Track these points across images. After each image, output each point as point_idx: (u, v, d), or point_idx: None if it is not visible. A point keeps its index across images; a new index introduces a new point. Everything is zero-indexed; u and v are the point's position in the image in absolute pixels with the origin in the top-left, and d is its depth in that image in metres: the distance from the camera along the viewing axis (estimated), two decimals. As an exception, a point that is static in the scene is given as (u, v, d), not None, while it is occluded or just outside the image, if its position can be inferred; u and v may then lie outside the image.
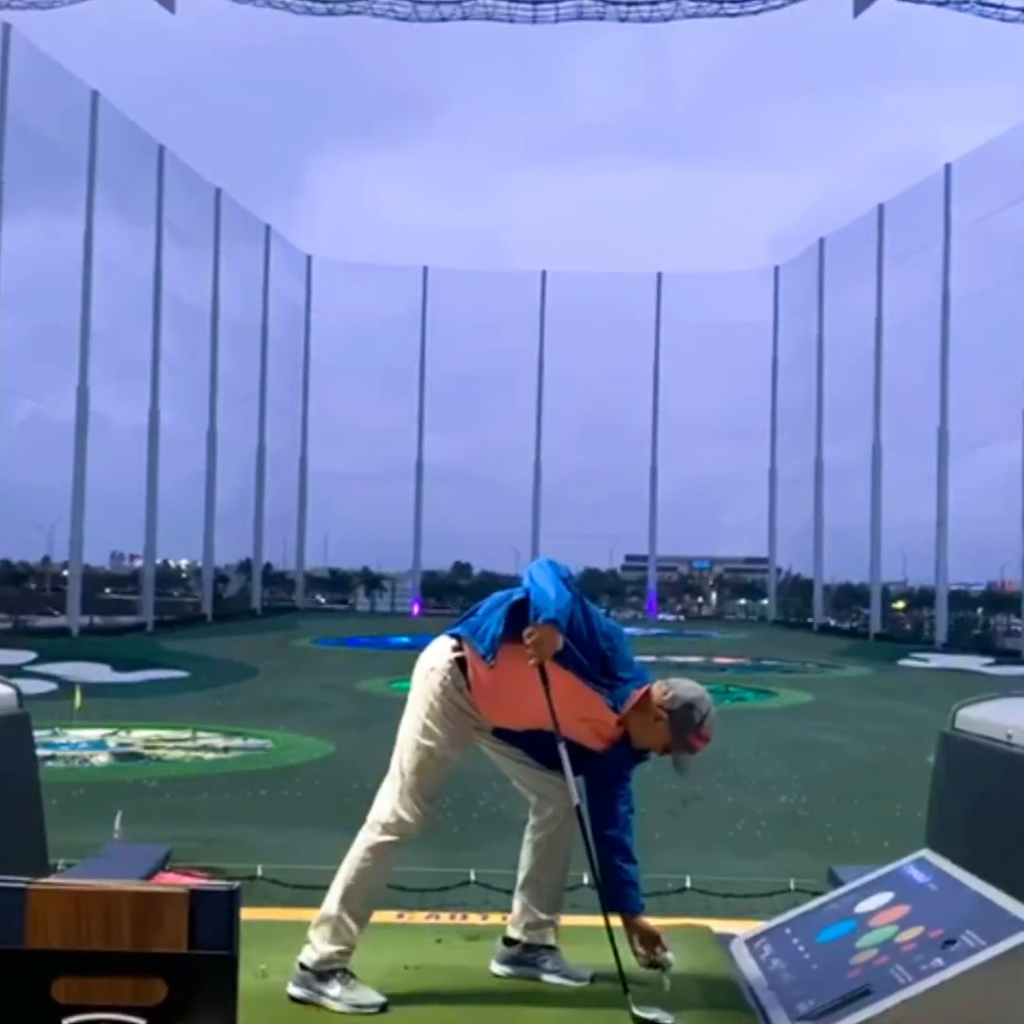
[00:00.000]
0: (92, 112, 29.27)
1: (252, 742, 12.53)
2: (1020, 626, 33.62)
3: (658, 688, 3.64)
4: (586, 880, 3.88)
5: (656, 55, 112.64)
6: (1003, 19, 19.79)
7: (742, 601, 55.06)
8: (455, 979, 3.75)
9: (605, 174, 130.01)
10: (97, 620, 32.06)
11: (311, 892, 4.55)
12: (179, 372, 33.99)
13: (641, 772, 3.80)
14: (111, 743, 12.15)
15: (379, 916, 3.88)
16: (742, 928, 4.35)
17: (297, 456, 43.11)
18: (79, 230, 28.68)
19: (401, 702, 3.82)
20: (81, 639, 26.56)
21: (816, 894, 4.54)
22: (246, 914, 2.29)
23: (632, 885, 3.68)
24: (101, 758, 11.36)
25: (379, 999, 3.51)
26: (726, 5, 19.35)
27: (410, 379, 43.80)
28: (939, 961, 3.10)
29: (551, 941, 3.87)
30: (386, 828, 3.63)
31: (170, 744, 12.18)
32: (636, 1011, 3.39)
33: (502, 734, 3.79)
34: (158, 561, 34.84)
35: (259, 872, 5.96)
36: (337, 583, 50.96)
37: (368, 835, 3.66)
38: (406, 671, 4.04)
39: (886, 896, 3.77)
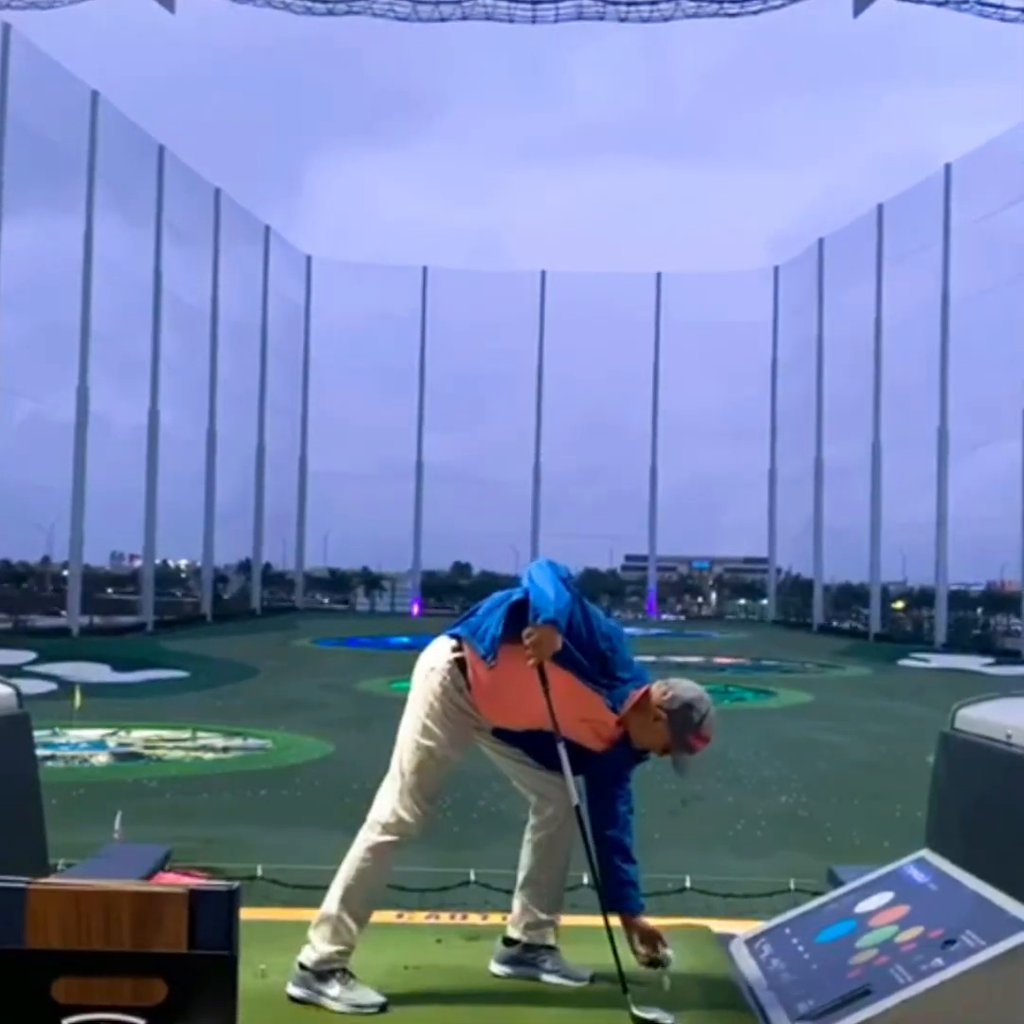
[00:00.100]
0: (92, 112, 29.26)
1: (252, 742, 12.53)
2: (1020, 626, 33.61)
3: (657, 688, 3.64)
4: (586, 880, 3.88)
5: (656, 55, 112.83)
6: (1003, 19, 19.79)
7: (742, 601, 55.04)
8: (455, 979, 3.75)
9: (605, 174, 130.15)
10: (97, 620, 32.05)
11: (311, 892, 4.55)
12: (179, 372, 33.99)
13: (641, 772, 3.80)
14: (111, 743, 12.15)
15: (379, 916, 3.88)
16: (742, 928, 4.35)
17: (297, 456, 43.10)
18: (79, 230, 28.67)
19: (401, 702, 3.82)
20: (81, 639, 26.56)
21: (816, 894, 4.54)
22: (246, 914, 2.29)
23: (632, 885, 3.68)
24: (101, 758, 11.36)
25: (379, 999, 3.51)
26: (726, 5, 19.35)
27: (410, 379, 43.80)
28: (939, 961, 3.10)
29: (551, 941, 3.87)
30: (386, 828, 3.63)
31: (170, 744, 12.17)
32: (636, 1011, 3.39)
33: (502, 734, 3.80)
34: (158, 561, 34.83)
35: (259, 872, 5.96)
36: (337, 583, 50.95)
37: (368, 835, 3.66)
38: (406, 671, 4.04)
39: (886, 896, 3.77)
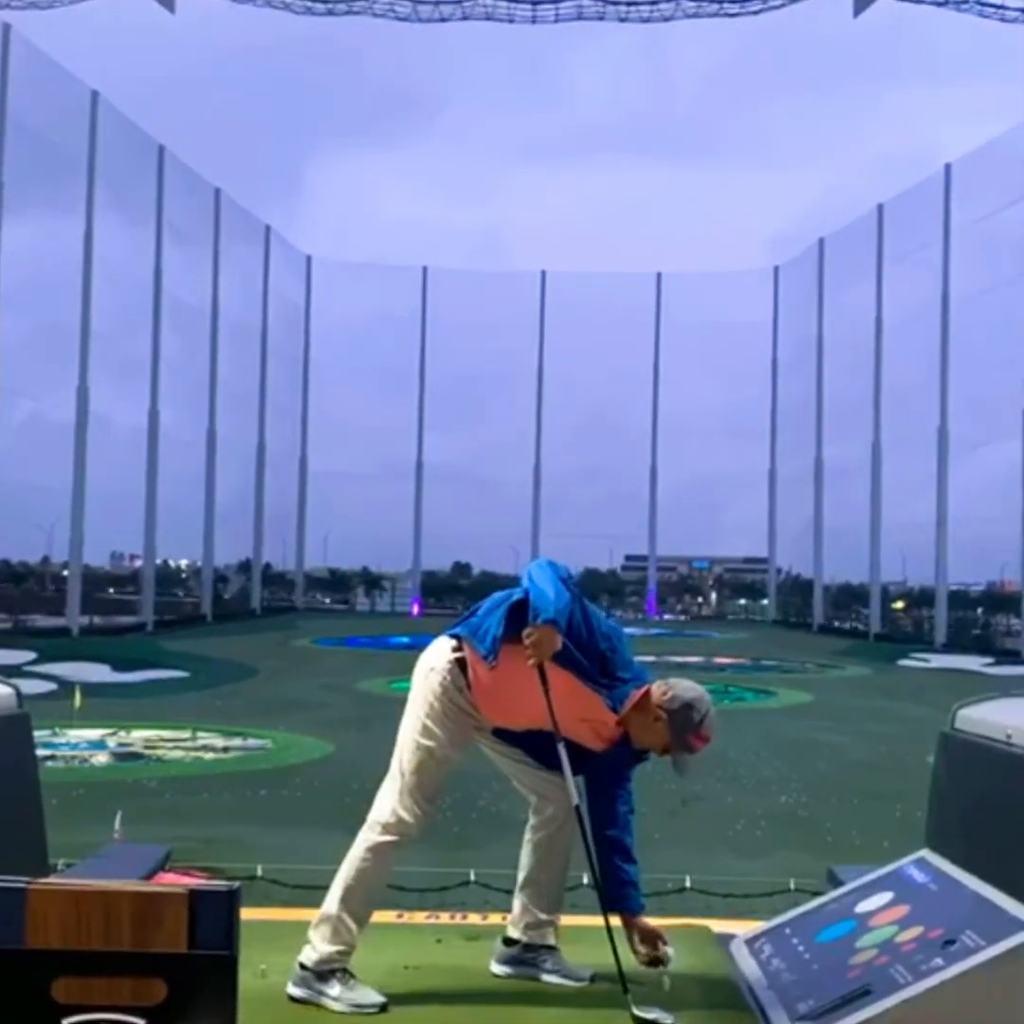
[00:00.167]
0: (92, 112, 29.26)
1: (252, 742, 12.53)
2: (1020, 626, 33.60)
3: (657, 688, 3.64)
4: (586, 880, 3.88)
5: (656, 55, 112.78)
6: (1003, 19, 19.81)
7: (742, 601, 55.03)
8: (455, 979, 3.75)
9: (605, 174, 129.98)
10: (97, 620, 32.06)
11: (311, 892, 4.55)
12: (179, 372, 33.99)
13: (641, 772, 3.80)
14: (111, 743, 12.15)
15: (379, 916, 3.88)
16: (742, 928, 4.35)
17: (297, 456, 43.11)
18: (79, 230, 28.67)
19: (401, 702, 3.82)
20: (81, 639, 26.56)
21: (816, 894, 4.54)
22: (246, 914, 2.29)
23: (632, 885, 3.68)
24: (101, 758, 11.35)
25: (379, 999, 3.51)
26: (726, 5, 19.36)
27: (410, 379, 43.81)
28: (939, 961, 3.10)
29: (551, 941, 3.87)
30: (386, 828, 3.63)
31: (170, 744, 12.17)
32: (636, 1011, 3.39)
33: (502, 734, 3.80)
34: (158, 561, 34.83)
35: (259, 872, 5.96)
36: (337, 583, 50.94)
37: (368, 835, 3.66)
38: (406, 671, 4.04)
39: (886, 896, 3.77)
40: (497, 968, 3.86)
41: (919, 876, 3.82)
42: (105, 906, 2.18)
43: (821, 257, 39.96)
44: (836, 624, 40.81)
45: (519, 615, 3.54)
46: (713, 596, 57.41)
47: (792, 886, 5.68)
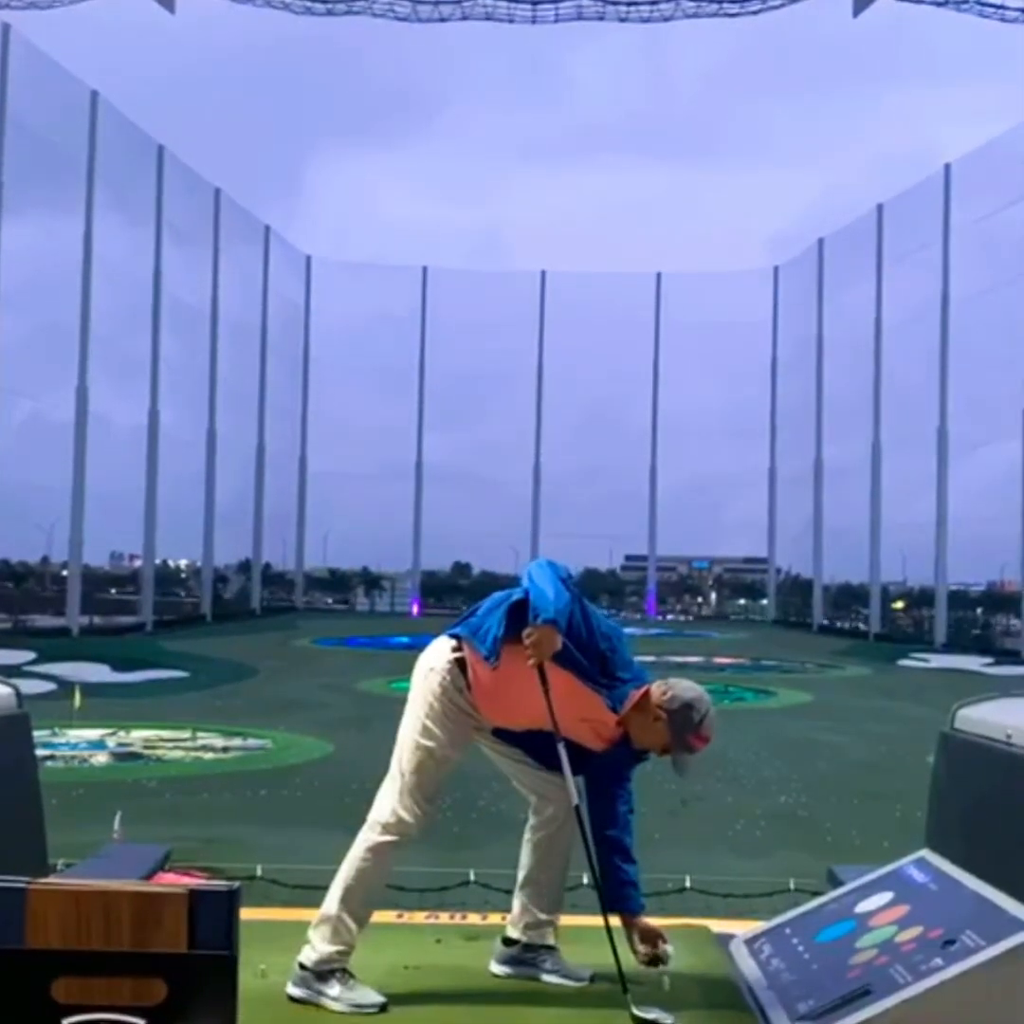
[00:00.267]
0: (92, 112, 29.27)
1: (252, 742, 12.53)
2: (1020, 626, 33.60)
3: (657, 688, 3.64)
4: (586, 880, 3.88)
5: (656, 55, 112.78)
6: (1003, 19, 19.82)
7: (742, 601, 55.04)
8: (455, 979, 3.75)
9: (605, 174, 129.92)
10: (97, 620, 32.06)
11: (311, 892, 4.55)
12: (179, 372, 34.00)
13: (641, 772, 3.80)
14: (111, 743, 12.15)
15: (379, 916, 3.88)
16: (742, 928, 4.35)
17: (297, 456, 43.12)
18: (79, 230, 28.68)
19: (401, 702, 3.82)
20: (81, 639, 26.56)
21: (816, 894, 4.54)
22: (246, 914, 2.29)
23: (632, 885, 3.68)
24: (101, 758, 11.36)
25: (379, 999, 3.51)
26: (726, 5, 19.37)
27: (410, 379, 43.81)
28: (939, 961, 3.10)
29: (551, 941, 3.87)
30: (386, 828, 3.63)
31: (170, 744, 12.17)
32: (636, 1011, 3.39)
33: (502, 734, 3.80)
34: (158, 561, 34.83)
35: (259, 872, 5.96)
36: (337, 583, 50.94)
37: (368, 835, 3.66)
38: (406, 671, 4.04)
39: (886, 896, 3.77)
40: (497, 968, 3.86)
41: (919, 876, 3.82)
42: (105, 906, 2.18)
43: (821, 257, 39.97)
44: (836, 624, 40.81)
45: (519, 615, 3.54)
46: (713, 596, 57.41)
47: (792, 886, 5.68)
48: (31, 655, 20.33)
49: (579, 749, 3.63)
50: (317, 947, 3.58)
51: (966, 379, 32.52)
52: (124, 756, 11.53)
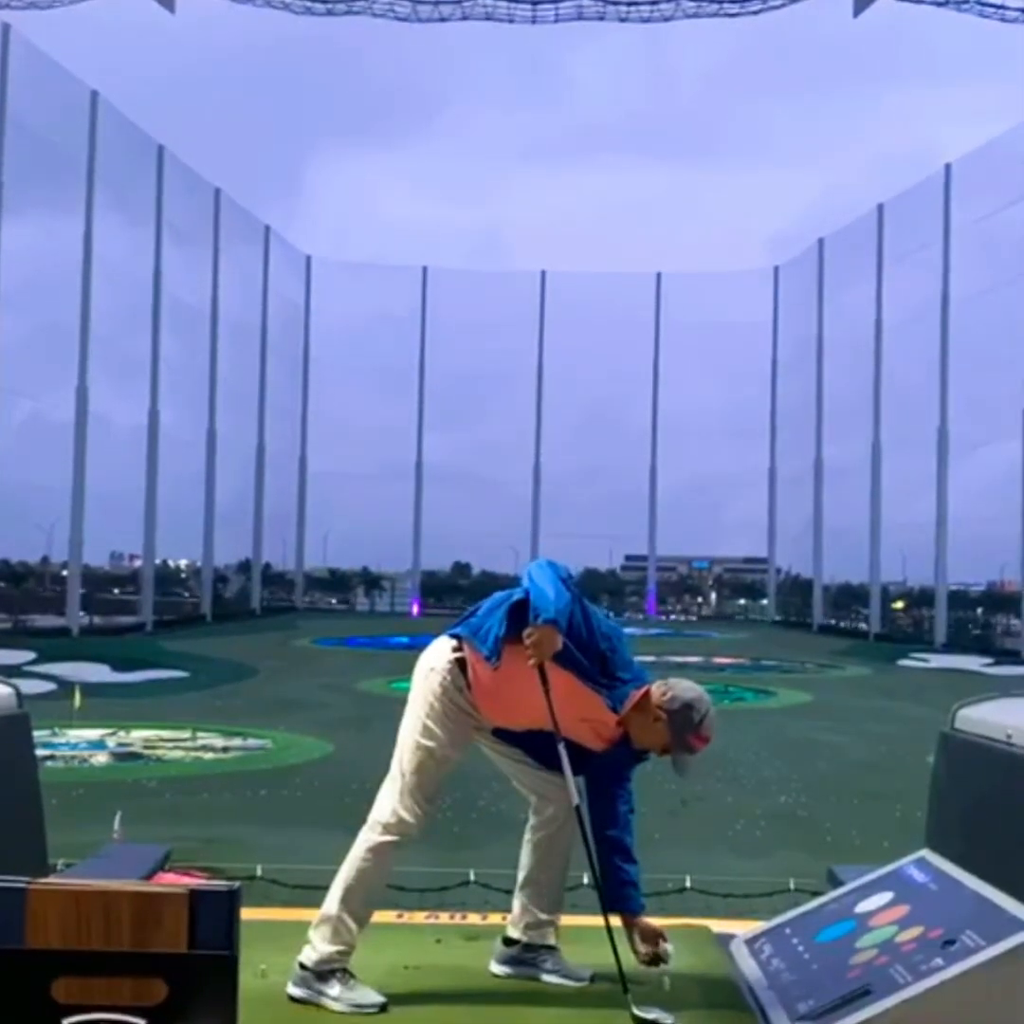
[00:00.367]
0: (92, 112, 29.27)
1: (252, 742, 12.53)
2: (1020, 626, 33.60)
3: (657, 688, 3.64)
4: (586, 880, 3.88)
5: (656, 55, 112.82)
6: (1003, 19, 19.82)
7: (742, 601, 55.04)
8: (455, 979, 3.75)
9: (605, 174, 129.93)
10: (97, 620, 32.06)
11: (311, 892, 4.55)
12: (179, 372, 34.00)
13: (641, 772, 3.80)
14: (111, 743, 12.15)
15: (379, 916, 3.88)
16: (742, 928, 4.35)
17: (297, 456, 43.12)
18: (79, 230, 28.67)
19: (401, 702, 3.82)
20: (81, 639, 26.56)
21: (816, 894, 4.54)
22: (246, 914, 2.29)
23: (632, 885, 3.68)
24: (101, 758, 11.36)
25: (379, 999, 3.51)
26: (726, 5, 19.37)
27: (410, 379, 43.82)
28: (939, 961, 3.10)
29: (551, 941, 3.87)
30: (387, 828, 3.63)
31: (170, 744, 12.17)
32: (636, 1011, 3.39)
33: (502, 734, 3.80)
34: (158, 561, 34.83)
35: (259, 872, 5.96)
36: (337, 583, 50.94)
37: (368, 835, 3.66)
38: (406, 671, 4.04)
39: (886, 896, 3.77)
40: (497, 968, 3.86)
41: (919, 876, 3.82)
42: (105, 906, 2.18)
43: (821, 257, 39.97)
44: (836, 624, 40.81)
45: (520, 615, 3.54)
46: (713, 596, 57.41)
47: (792, 886, 5.68)
48: (31, 655, 20.33)
49: (579, 749, 3.63)
50: (317, 947, 3.58)
51: (966, 379, 32.52)
52: (124, 756, 11.53)
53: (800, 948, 3.74)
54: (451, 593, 46.49)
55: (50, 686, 15.99)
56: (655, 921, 3.82)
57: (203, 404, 35.74)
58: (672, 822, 8.00)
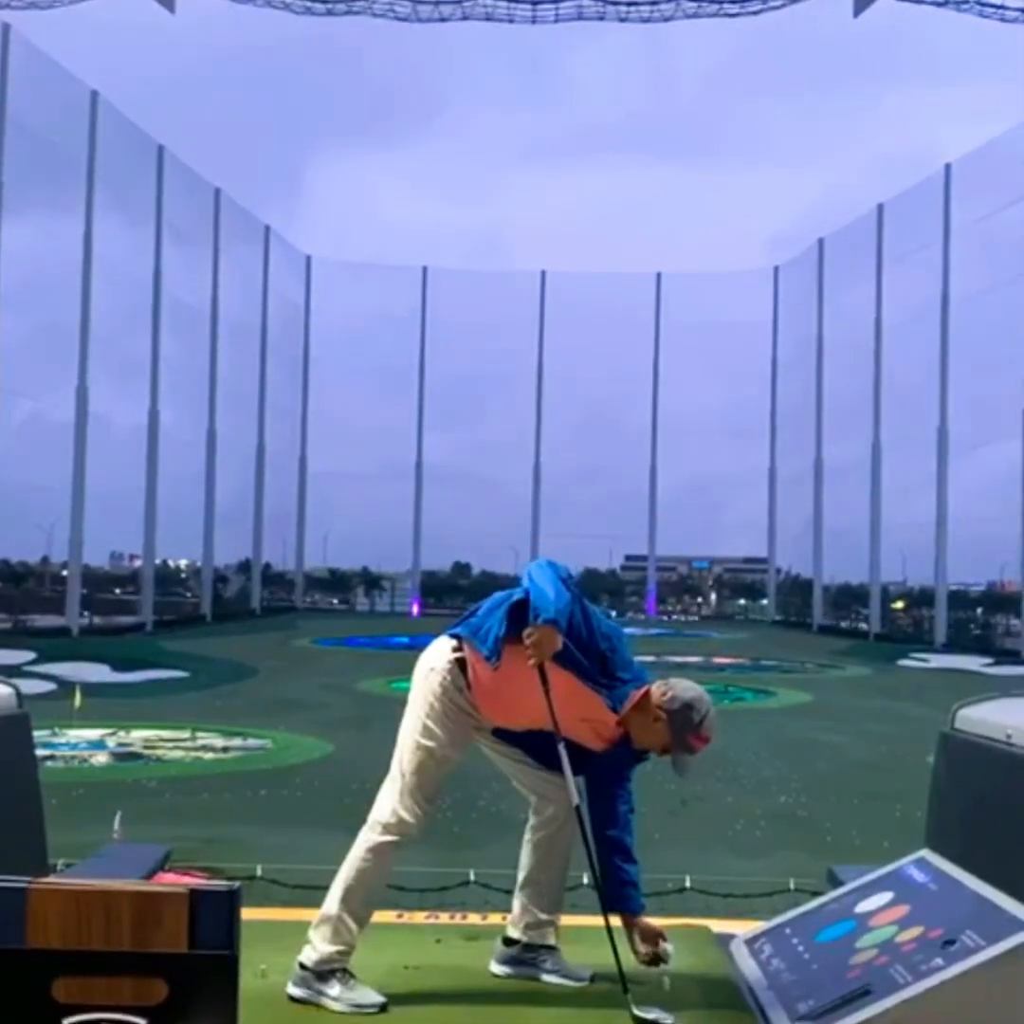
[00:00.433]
0: (92, 112, 29.27)
1: (252, 742, 12.53)
2: (1020, 626, 33.60)
3: (657, 689, 3.64)
4: (586, 880, 3.88)
5: (656, 55, 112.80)
6: (1003, 19, 19.83)
7: (742, 601, 55.05)
8: (455, 979, 3.75)
9: (605, 174, 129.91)
10: (97, 620, 32.07)
11: (311, 892, 4.55)
12: (179, 372, 34.01)
13: (641, 772, 3.80)
14: (111, 743, 12.15)
15: (379, 916, 3.88)
16: (742, 928, 4.35)
17: (297, 456, 43.13)
18: (79, 230, 28.68)
19: (401, 702, 3.82)
20: (81, 639, 26.56)
21: (816, 894, 4.54)
22: (246, 914, 2.29)
23: (632, 885, 3.68)
24: (101, 758, 11.36)
25: (379, 999, 3.51)
26: (726, 5, 19.37)
27: (410, 379, 43.82)
28: (939, 961, 3.10)
29: (551, 941, 3.87)
30: (387, 828, 3.63)
31: (170, 744, 12.17)
32: (636, 1011, 3.39)
33: (502, 734, 3.80)
34: (158, 561, 34.84)
35: (259, 872, 5.96)
36: (337, 583, 50.95)
37: (369, 835, 3.66)
38: (406, 671, 4.04)
39: (886, 896, 3.77)
40: (497, 968, 3.86)
41: (919, 876, 3.82)
42: (105, 906, 2.18)
43: (821, 257, 39.97)
44: (836, 624, 40.81)
45: (520, 615, 3.54)
46: (713, 596, 57.41)
47: (792, 886, 5.68)
48: (31, 655, 20.33)
49: (579, 749, 3.63)
50: (317, 947, 3.58)
51: (966, 379, 32.53)
52: (124, 756, 11.53)
53: (800, 948, 3.74)
54: (451, 593, 46.50)
55: (50, 686, 15.99)
56: (655, 921, 3.82)
57: (203, 404, 35.75)
58: (672, 822, 8.00)
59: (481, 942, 4.07)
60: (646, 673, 3.74)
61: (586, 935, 3.83)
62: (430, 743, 3.64)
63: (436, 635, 3.83)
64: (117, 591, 38.42)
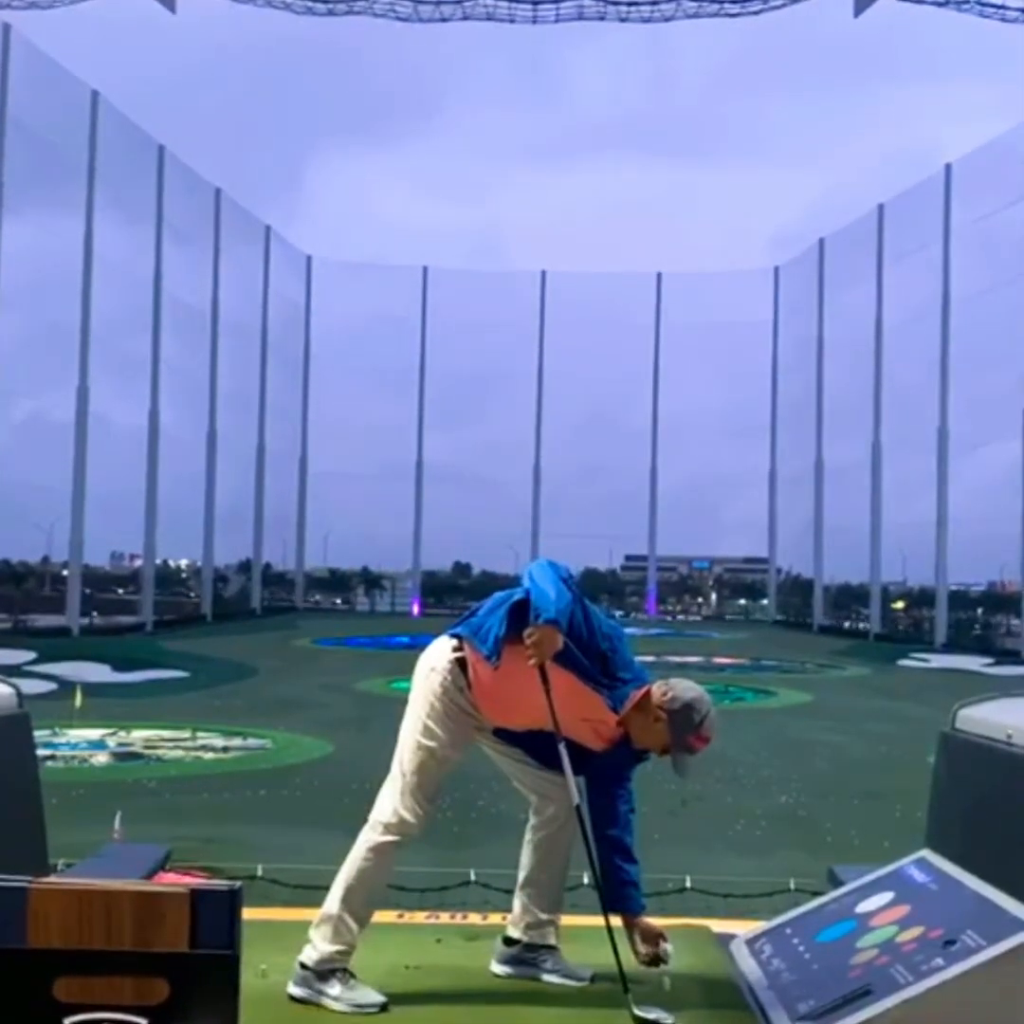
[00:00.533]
0: (92, 112, 29.28)
1: (252, 742, 12.54)
2: (1020, 626, 33.60)
3: (657, 689, 3.64)
4: (586, 880, 3.88)
5: (657, 55, 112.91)
6: (1003, 19, 19.85)
7: (742, 601, 55.05)
8: (455, 979, 3.75)
9: (605, 173, 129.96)
10: (97, 620, 32.07)
11: (311, 892, 4.56)
12: (179, 372, 34.01)
13: (641, 772, 3.80)
14: (111, 743, 12.15)
15: (379, 916, 3.88)
16: (742, 928, 4.34)
17: (297, 456, 43.13)
18: (79, 230, 28.69)
19: (401, 702, 3.82)
20: (81, 639, 26.58)
21: (816, 894, 4.53)
22: (246, 914, 2.29)
23: (633, 885, 3.67)
24: (101, 758, 11.36)
25: (379, 999, 3.51)
26: (726, 5, 19.38)
27: (410, 379, 43.83)
28: (939, 961, 3.10)
29: (551, 941, 3.87)
30: (388, 828, 3.63)
31: (170, 744, 12.18)
32: (636, 1011, 3.38)
33: (502, 734, 3.80)
34: (158, 561, 34.85)
35: (259, 872, 5.96)
36: (337, 583, 50.96)
37: (369, 835, 3.66)
38: (406, 671, 4.04)
39: (886, 896, 3.77)
40: (497, 968, 3.86)
41: (919, 876, 3.82)
42: (107, 906, 2.18)
43: (821, 257, 39.98)
44: (836, 624, 40.81)
45: (520, 615, 3.54)
46: (713, 596, 57.41)
47: (792, 886, 5.68)
48: (31, 655, 20.33)
49: (580, 749, 3.63)
50: (318, 947, 3.58)
51: (966, 379, 32.54)
52: (124, 756, 11.54)
53: (801, 948, 3.74)
54: (451, 593, 46.51)
55: (50, 686, 15.99)
56: (655, 921, 3.82)
57: (203, 404, 35.76)
58: (672, 822, 8.01)
59: (481, 942, 4.07)
60: (646, 673, 3.73)
61: (586, 935, 3.83)
62: (431, 743, 3.64)
63: (436, 635, 3.83)
64: (120, 591, 38.45)
